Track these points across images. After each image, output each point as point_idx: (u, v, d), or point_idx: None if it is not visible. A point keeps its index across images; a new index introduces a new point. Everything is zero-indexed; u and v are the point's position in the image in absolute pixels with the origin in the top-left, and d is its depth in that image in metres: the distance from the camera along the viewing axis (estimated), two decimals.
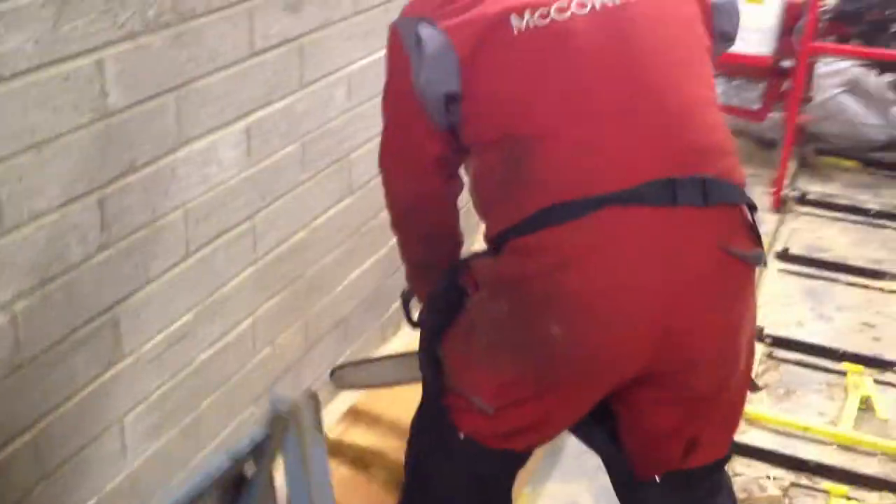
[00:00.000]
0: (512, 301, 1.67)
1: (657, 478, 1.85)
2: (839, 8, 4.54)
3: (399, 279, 3.32)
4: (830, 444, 3.00)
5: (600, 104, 1.64)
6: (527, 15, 1.67)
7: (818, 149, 5.17)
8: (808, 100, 4.87)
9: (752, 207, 1.71)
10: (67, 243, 1.88)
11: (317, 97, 2.63)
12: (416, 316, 2.18)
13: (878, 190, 4.95)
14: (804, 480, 2.84)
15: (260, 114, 2.39)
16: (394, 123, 1.89)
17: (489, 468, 1.91)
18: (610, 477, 2.03)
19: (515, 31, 1.66)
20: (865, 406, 3.17)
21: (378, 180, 3.03)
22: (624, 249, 1.60)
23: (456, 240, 2.02)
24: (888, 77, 5.05)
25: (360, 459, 2.42)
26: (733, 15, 1.86)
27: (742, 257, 1.66)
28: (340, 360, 3.06)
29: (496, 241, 1.70)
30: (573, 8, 1.67)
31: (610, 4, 1.68)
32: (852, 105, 5.13)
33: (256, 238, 2.48)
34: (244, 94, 2.32)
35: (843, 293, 3.93)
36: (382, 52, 2.94)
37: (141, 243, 2.07)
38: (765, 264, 1.73)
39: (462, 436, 1.84)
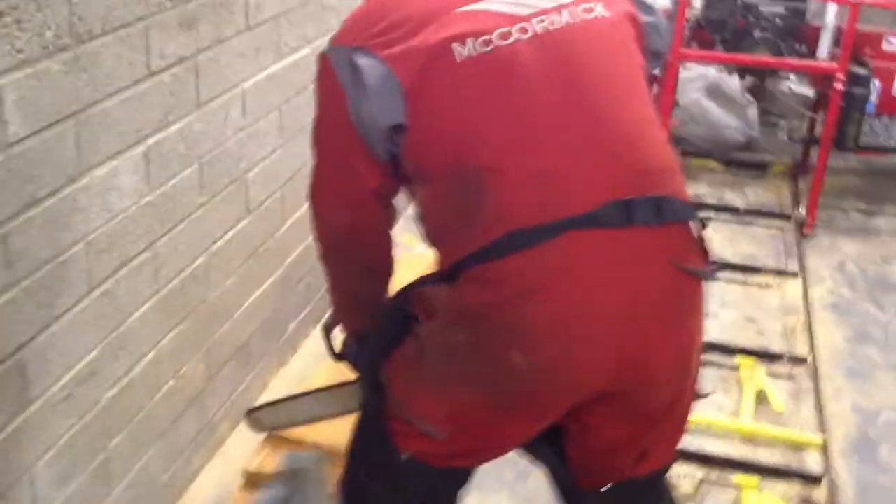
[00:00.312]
0: (469, 330, 1.63)
1: (603, 488, 1.85)
2: (704, 16, 4.69)
3: (294, 300, 3.27)
4: (734, 437, 3.08)
5: (551, 130, 1.62)
6: (469, 42, 1.63)
7: (684, 151, 5.34)
8: (674, 104, 5.02)
9: (703, 224, 1.72)
10: None
11: (213, 117, 2.54)
12: (337, 348, 2.14)
13: (741, 189, 5.15)
14: (714, 475, 2.91)
15: (158, 136, 2.29)
16: (327, 156, 1.81)
17: (433, 487, 1.87)
18: (553, 487, 2.02)
19: (458, 59, 1.63)
20: (760, 399, 3.27)
21: (273, 199, 2.99)
22: (584, 274, 1.58)
23: (390, 269, 1.97)
24: (745, 81, 5.26)
25: None
26: (664, 34, 1.87)
27: (695, 273, 1.67)
28: (241, 388, 2.97)
29: (450, 270, 1.66)
30: (515, 34, 1.65)
31: (552, 29, 1.67)
32: (713, 108, 5.32)
33: (158, 266, 2.37)
34: (142, 116, 2.21)
35: (723, 290, 4.05)
36: (274, 68, 2.89)
37: (45, 280, 1.95)
38: (714, 278, 1.74)
39: (404, 457, 1.80)
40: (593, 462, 1.83)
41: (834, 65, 4.49)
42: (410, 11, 1.70)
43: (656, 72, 1.90)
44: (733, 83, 5.29)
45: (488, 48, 1.64)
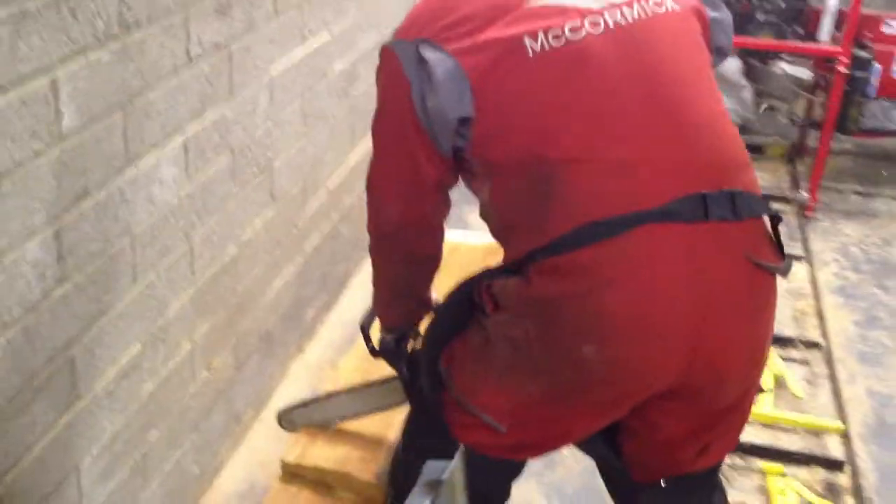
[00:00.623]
0: (540, 322, 1.62)
1: (662, 482, 1.85)
2: None
3: (312, 288, 3.24)
4: (755, 423, 3.10)
5: (624, 123, 1.61)
6: (540, 36, 1.62)
7: None
8: None
9: (777, 219, 1.72)
10: (28, 281, 1.71)
11: (244, 105, 2.50)
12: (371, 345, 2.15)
13: None
14: (739, 461, 2.92)
15: (195, 126, 2.25)
16: (388, 147, 1.79)
17: (488, 478, 1.86)
18: (604, 480, 2.02)
19: (530, 54, 1.62)
20: (779, 384, 3.29)
21: (296, 188, 2.96)
22: (660, 268, 1.58)
23: (436, 263, 1.96)
24: (741, 63, 5.27)
25: (321, 482, 2.32)
26: (728, 30, 1.86)
27: (769, 269, 1.67)
28: (265, 378, 2.95)
29: (519, 263, 1.65)
30: (587, 28, 1.64)
31: (623, 23, 1.66)
32: None
33: (194, 259, 2.34)
34: (182, 106, 2.17)
35: None
36: (298, 55, 2.85)
37: (94, 275, 1.91)
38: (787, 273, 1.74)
39: (462, 448, 1.79)
40: (652, 457, 1.83)
41: (837, 48, 4.50)
42: (477, 7, 1.68)
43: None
44: (730, 65, 5.29)
45: (560, 42, 1.63)
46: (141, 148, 2.02)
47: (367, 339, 2.19)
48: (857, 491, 2.84)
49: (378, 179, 1.83)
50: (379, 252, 1.94)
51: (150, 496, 2.29)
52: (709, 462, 1.84)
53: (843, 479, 2.92)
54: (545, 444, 1.80)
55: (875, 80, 4.65)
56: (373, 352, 2.18)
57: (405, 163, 1.75)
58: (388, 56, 1.73)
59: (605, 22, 1.65)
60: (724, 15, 1.85)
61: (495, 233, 1.75)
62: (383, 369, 2.74)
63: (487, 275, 1.73)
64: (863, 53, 4.56)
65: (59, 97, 1.72)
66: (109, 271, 1.96)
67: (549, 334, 1.61)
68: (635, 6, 1.68)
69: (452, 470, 1.14)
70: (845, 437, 3.06)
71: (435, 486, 1.12)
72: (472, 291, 1.76)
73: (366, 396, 2.38)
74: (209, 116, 2.31)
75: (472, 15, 1.67)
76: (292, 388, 3.10)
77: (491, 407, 1.72)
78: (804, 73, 5.24)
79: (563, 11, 1.65)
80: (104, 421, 2.03)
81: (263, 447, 2.84)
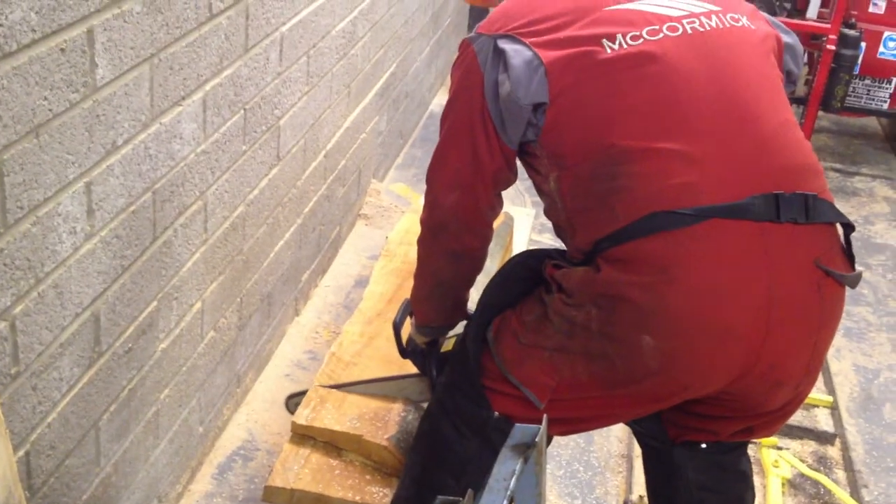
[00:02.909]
0: (604, 309, 1.61)
1: (703, 444, 1.86)
2: None
3: (308, 250, 3.22)
4: None
5: (696, 118, 1.63)
6: (619, 38, 1.66)
7: None
8: None
9: (850, 227, 1.71)
10: (59, 235, 1.68)
11: (256, 62, 2.47)
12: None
13: None
14: None
15: (213, 82, 2.21)
16: (453, 134, 1.82)
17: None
18: (634, 431, 2.03)
19: (608, 51, 1.65)
20: None
21: (297, 147, 2.93)
22: (726, 264, 1.57)
23: (481, 262, 1.97)
24: None
25: (332, 445, 2.32)
26: (798, 58, 1.88)
27: (839, 278, 1.65)
28: (263, 339, 2.93)
29: (587, 254, 1.65)
30: (665, 31, 1.67)
31: (701, 30, 1.69)
32: None
33: (207, 216, 2.31)
34: (203, 61, 2.14)
35: None
36: (305, 12, 2.81)
37: (118, 230, 1.88)
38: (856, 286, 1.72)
39: (497, 414, 1.80)
40: (692, 425, 1.84)
41: (826, 25, 4.54)
42: (558, 9, 1.73)
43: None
44: None
45: (637, 42, 1.66)
46: (165, 103, 1.98)
47: (399, 338, 2.21)
48: (848, 464, 2.90)
49: (437, 166, 1.87)
50: (426, 242, 1.96)
51: (160, 454, 2.27)
52: (749, 438, 1.86)
53: (832, 451, 2.98)
54: (578, 426, 1.82)
55: (859, 59, 4.70)
56: (402, 353, 2.20)
57: (465, 152, 1.79)
58: (465, 49, 1.79)
59: (684, 28, 1.69)
60: (796, 43, 1.88)
61: (562, 226, 1.76)
62: (385, 335, 2.76)
63: (552, 256, 1.75)
64: (851, 32, 4.61)
65: (95, 47, 1.68)
66: (133, 227, 1.93)
67: (611, 321, 1.61)
68: (713, 17, 1.73)
69: (542, 433, 1.15)
70: (835, 409, 3.12)
71: (524, 449, 1.12)
72: (532, 266, 1.77)
73: (387, 387, 2.41)
74: (226, 73, 2.27)
75: (553, 15, 1.73)
76: (289, 350, 3.09)
77: (533, 382, 1.73)
78: None
79: (643, 17, 1.70)
80: (122, 379, 2.01)
81: (263, 409, 2.83)
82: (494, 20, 1.78)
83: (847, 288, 1.70)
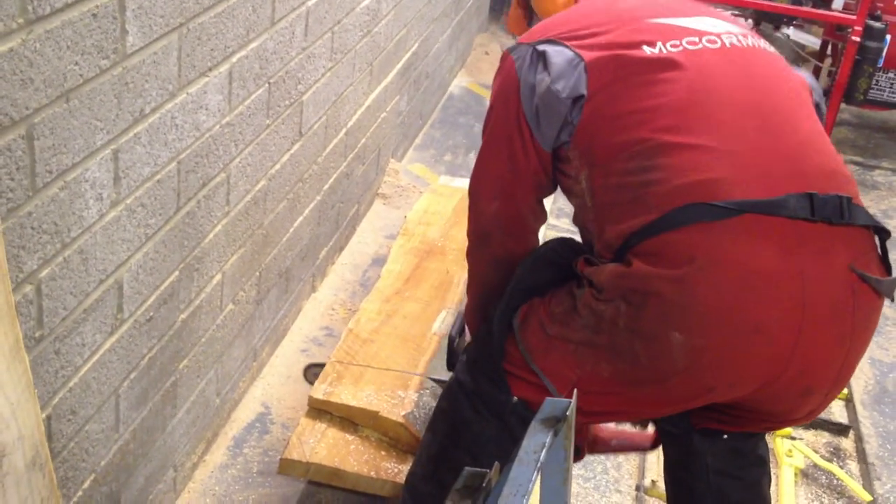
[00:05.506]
0: (632, 303, 1.60)
1: (725, 436, 1.85)
2: None
3: (327, 227, 3.22)
4: None
5: (735, 119, 1.64)
6: (658, 44, 1.70)
7: None
8: None
9: (886, 233, 1.68)
10: (86, 201, 1.68)
11: (282, 35, 2.46)
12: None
13: None
14: None
15: (239, 55, 2.21)
16: (492, 142, 1.84)
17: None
18: (657, 426, 2.02)
19: (647, 53, 1.69)
20: None
21: (319, 124, 2.93)
22: (757, 259, 1.55)
23: None
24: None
25: (348, 420, 2.32)
26: (822, 115, 1.87)
27: (875, 284, 1.61)
28: (280, 314, 2.94)
29: (616, 248, 1.64)
30: (704, 42, 1.72)
31: (738, 45, 1.73)
32: None
33: (230, 189, 2.31)
34: (230, 32, 2.13)
35: None
36: None
37: (143, 198, 1.89)
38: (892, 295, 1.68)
39: (516, 399, 1.80)
40: (715, 416, 1.83)
41: (852, 16, 4.50)
42: (600, 19, 1.79)
43: None
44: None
45: (677, 49, 1.69)
46: (192, 73, 1.98)
47: (452, 352, 2.20)
48: (862, 455, 2.89)
49: (479, 177, 1.89)
50: (473, 252, 1.98)
51: (177, 424, 2.28)
52: (772, 429, 1.86)
53: (846, 443, 2.97)
54: (595, 418, 1.81)
55: (884, 52, 4.67)
56: (450, 365, 2.20)
57: (503, 158, 1.81)
58: (505, 59, 1.82)
59: (722, 41, 1.74)
60: (822, 100, 1.89)
61: (589, 228, 1.76)
62: (402, 313, 2.76)
63: (584, 251, 1.75)
64: (877, 24, 4.57)
65: (126, 14, 1.68)
66: (157, 196, 1.94)
67: (640, 317, 1.60)
68: (750, 38, 1.78)
69: (572, 408, 1.15)
70: (849, 402, 3.11)
71: (554, 422, 1.12)
72: (563, 254, 1.77)
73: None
74: (252, 45, 2.27)
75: (595, 24, 1.77)
76: (305, 326, 3.10)
77: (555, 373, 1.73)
78: (809, 40, 5.25)
79: (683, 30, 1.74)
80: (143, 347, 2.01)
81: (279, 384, 2.84)
82: (535, 31, 1.83)
83: (884, 300, 1.67)
